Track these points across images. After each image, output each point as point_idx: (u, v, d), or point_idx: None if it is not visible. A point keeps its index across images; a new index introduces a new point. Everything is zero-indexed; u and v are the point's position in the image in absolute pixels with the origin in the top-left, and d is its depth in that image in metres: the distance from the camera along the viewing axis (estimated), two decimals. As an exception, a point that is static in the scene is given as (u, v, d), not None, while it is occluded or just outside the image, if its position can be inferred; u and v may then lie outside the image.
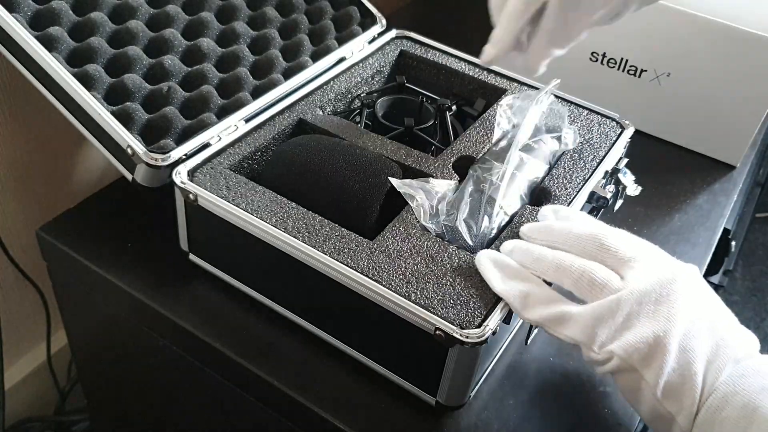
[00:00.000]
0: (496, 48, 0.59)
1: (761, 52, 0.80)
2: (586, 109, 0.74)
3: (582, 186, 0.65)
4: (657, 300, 0.48)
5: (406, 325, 0.53)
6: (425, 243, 0.57)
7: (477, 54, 0.79)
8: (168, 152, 0.62)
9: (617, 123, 0.72)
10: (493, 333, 0.52)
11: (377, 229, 0.59)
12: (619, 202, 0.72)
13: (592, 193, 0.65)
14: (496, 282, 0.52)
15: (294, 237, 0.56)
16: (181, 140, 0.64)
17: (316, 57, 0.78)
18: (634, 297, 0.48)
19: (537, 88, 0.75)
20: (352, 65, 0.77)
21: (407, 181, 0.61)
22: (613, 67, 0.88)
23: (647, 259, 0.50)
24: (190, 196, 0.60)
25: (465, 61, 0.79)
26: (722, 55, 0.82)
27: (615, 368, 0.48)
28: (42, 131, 0.82)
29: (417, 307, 0.52)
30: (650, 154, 0.89)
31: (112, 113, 0.63)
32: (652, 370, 0.46)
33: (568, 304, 0.50)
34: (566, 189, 0.64)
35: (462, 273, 0.55)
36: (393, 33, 0.82)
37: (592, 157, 0.68)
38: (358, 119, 0.75)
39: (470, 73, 0.78)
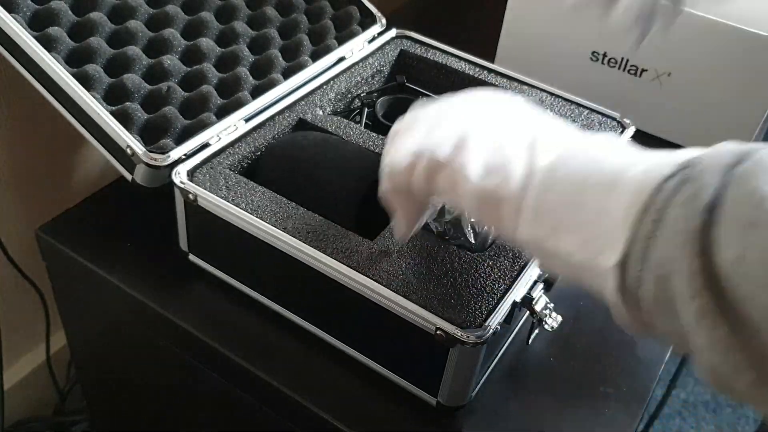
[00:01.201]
0: None
1: (761, 52, 0.80)
2: (587, 108, 0.74)
3: (582, 186, 0.65)
4: (454, 107, 0.47)
5: (407, 325, 0.53)
6: (426, 243, 0.57)
7: (477, 54, 0.80)
8: (167, 152, 0.61)
9: (618, 122, 0.72)
10: (494, 333, 0.52)
11: (378, 229, 0.59)
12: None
13: (593, 193, 0.65)
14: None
15: (294, 237, 0.56)
16: (180, 140, 0.64)
17: (315, 57, 0.77)
18: (431, 110, 0.47)
19: (539, 88, 0.75)
20: (352, 65, 0.77)
21: None
22: (614, 66, 0.88)
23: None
24: (190, 196, 0.60)
25: (465, 60, 0.79)
26: (723, 55, 0.81)
27: (428, 168, 0.45)
28: (42, 131, 0.82)
29: (417, 307, 0.52)
30: (650, 153, 0.88)
31: (112, 113, 0.62)
32: (463, 157, 0.44)
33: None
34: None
35: (463, 273, 0.55)
36: (393, 32, 0.82)
37: (592, 156, 0.68)
38: (358, 119, 0.75)
39: (470, 73, 0.77)
